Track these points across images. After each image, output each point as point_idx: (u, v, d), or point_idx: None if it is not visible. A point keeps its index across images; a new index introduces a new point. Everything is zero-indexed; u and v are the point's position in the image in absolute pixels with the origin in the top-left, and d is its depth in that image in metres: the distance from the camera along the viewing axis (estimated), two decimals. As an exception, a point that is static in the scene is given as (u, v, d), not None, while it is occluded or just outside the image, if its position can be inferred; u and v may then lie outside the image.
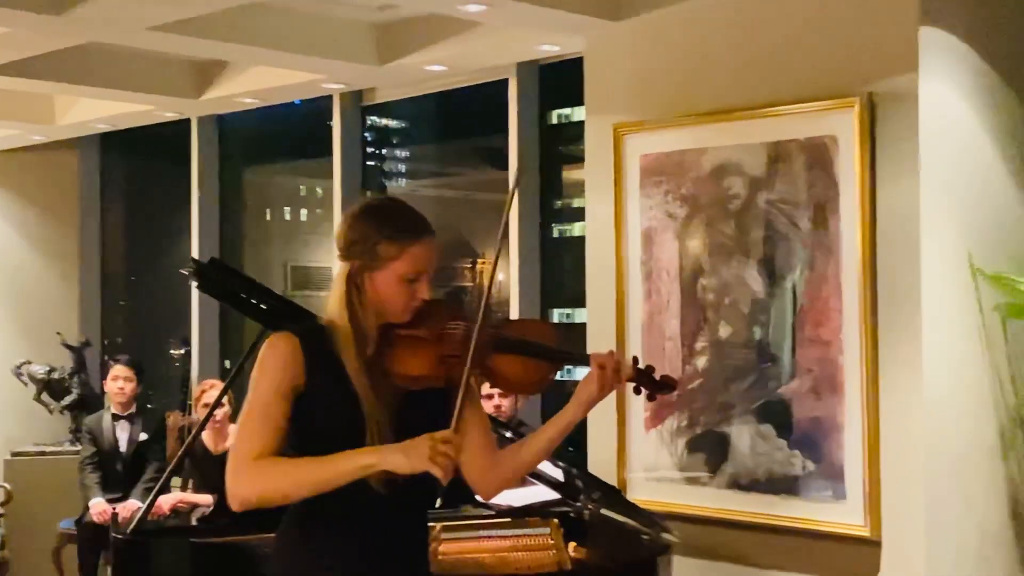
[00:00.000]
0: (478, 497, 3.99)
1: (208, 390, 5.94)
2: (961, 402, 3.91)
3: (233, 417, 5.81)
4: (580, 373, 2.64)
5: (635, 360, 2.63)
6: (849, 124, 3.91)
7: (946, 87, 3.90)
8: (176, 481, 5.82)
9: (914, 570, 3.79)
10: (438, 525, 3.66)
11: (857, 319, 3.90)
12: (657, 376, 2.63)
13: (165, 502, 5.61)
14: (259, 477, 2.45)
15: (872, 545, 3.87)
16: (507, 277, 6.06)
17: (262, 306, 3.93)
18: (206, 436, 5.82)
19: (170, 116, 7.37)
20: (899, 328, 3.83)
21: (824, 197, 4.00)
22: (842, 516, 3.94)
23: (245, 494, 2.46)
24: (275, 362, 2.52)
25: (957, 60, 3.94)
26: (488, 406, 4.62)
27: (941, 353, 3.83)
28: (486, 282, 3.21)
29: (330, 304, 2.58)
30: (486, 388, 4.57)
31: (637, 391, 2.64)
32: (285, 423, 2.50)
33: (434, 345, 2.55)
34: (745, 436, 4.19)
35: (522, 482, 3.98)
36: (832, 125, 3.97)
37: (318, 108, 7.02)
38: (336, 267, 2.63)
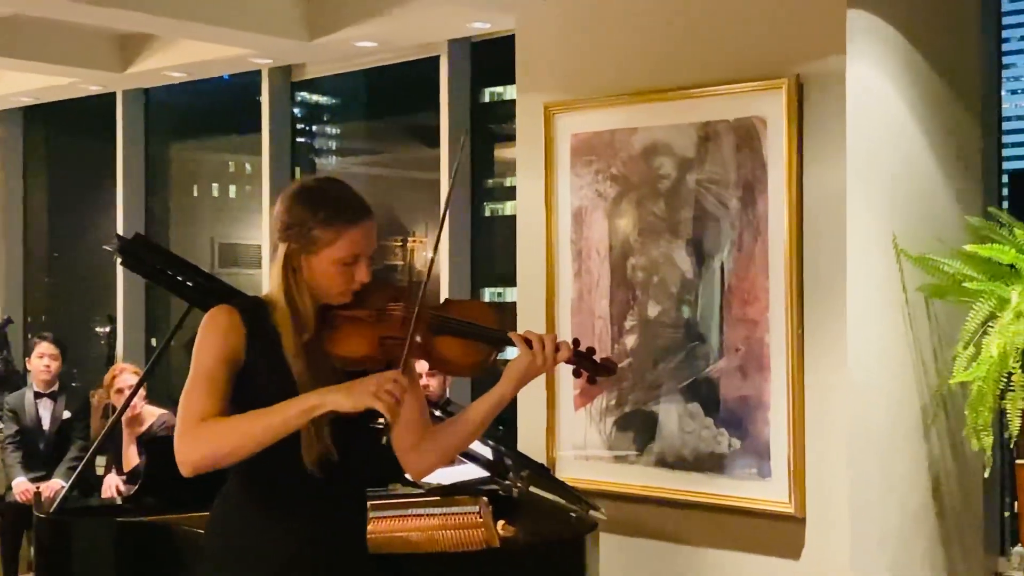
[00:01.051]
0: (408, 476, 4.00)
1: (119, 375, 5.88)
2: (885, 381, 3.96)
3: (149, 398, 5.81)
4: (514, 353, 2.62)
5: (576, 342, 2.63)
6: (778, 105, 3.94)
7: (873, 70, 3.94)
8: (101, 460, 5.76)
9: (838, 547, 3.85)
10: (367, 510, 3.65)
11: (783, 299, 3.94)
12: (598, 359, 2.63)
13: (113, 483, 5.57)
14: (207, 437, 2.42)
15: (797, 522, 3.93)
16: (438, 256, 6.04)
17: (188, 283, 3.87)
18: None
19: (95, 89, 7.25)
20: (825, 308, 3.88)
21: (752, 178, 4.03)
22: (767, 493, 3.98)
23: (194, 457, 2.42)
24: (216, 333, 2.49)
25: (884, 43, 3.98)
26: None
27: (865, 333, 3.89)
28: (425, 258, 3.18)
29: (271, 284, 2.57)
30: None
31: (577, 374, 2.64)
32: (229, 389, 2.47)
33: (374, 327, 2.54)
34: (673, 415, 4.22)
35: (452, 460, 3.98)
36: (761, 106, 4.00)
37: (247, 83, 6.94)
38: (266, 244, 2.61)
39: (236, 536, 2.56)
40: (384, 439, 2.43)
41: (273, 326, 2.51)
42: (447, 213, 2.84)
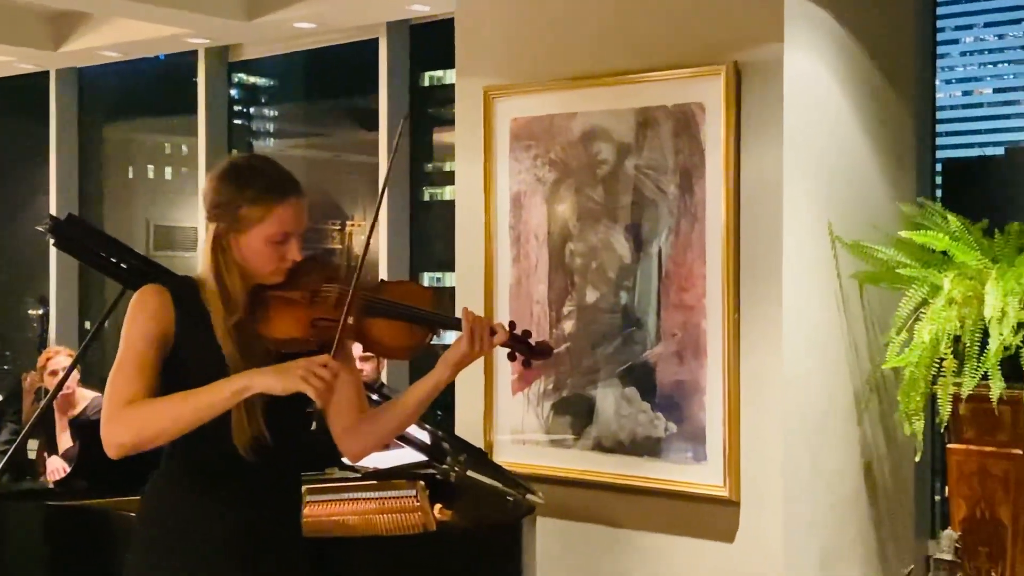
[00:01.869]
0: (344, 460, 3.98)
1: (53, 356, 5.80)
2: (819, 367, 4.01)
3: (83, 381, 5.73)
4: (451, 337, 2.62)
5: (511, 325, 2.63)
6: (716, 92, 3.96)
7: (810, 57, 3.97)
8: (33, 444, 5.68)
9: (771, 530, 3.89)
10: (303, 488, 3.63)
11: (720, 285, 3.97)
12: (533, 342, 2.63)
13: (59, 465, 5.49)
14: (133, 420, 2.40)
15: (731, 505, 3.96)
16: (376, 241, 6.02)
17: (123, 266, 3.82)
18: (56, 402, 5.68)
19: (28, 68, 7.13)
20: (760, 294, 3.91)
21: (690, 164, 4.05)
22: (703, 477, 4.02)
23: (122, 438, 2.40)
24: (145, 312, 2.47)
25: (821, 31, 4.02)
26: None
27: (800, 319, 3.93)
28: (361, 240, 3.17)
29: (201, 264, 2.54)
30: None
31: (512, 357, 2.64)
32: (158, 370, 2.45)
33: (307, 308, 2.51)
34: (610, 399, 4.24)
35: (388, 444, 3.97)
36: (699, 92, 4.02)
37: (183, 63, 6.86)
38: (202, 227, 2.58)
39: (168, 520, 2.54)
40: (313, 424, 2.42)
41: (203, 306, 2.48)
42: (384, 195, 2.82)
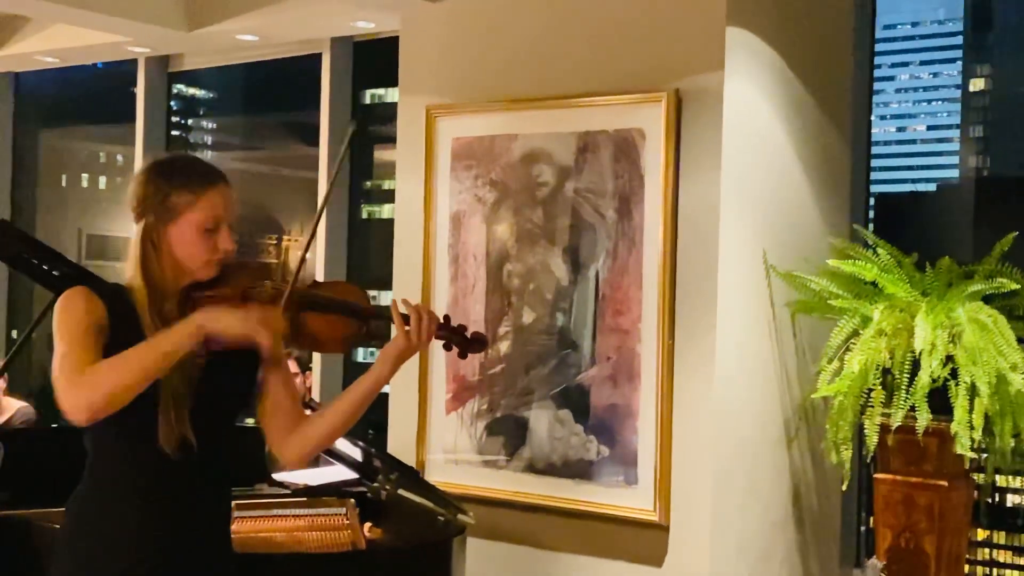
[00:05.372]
0: (274, 476, 3.95)
1: None
2: (751, 394, 4.04)
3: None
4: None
5: (446, 318, 2.64)
6: (656, 118, 4.00)
7: (749, 87, 4.02)
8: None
9: (699, 555, 3.91)
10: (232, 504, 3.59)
11: (656, 310, 3.99)
12: (468, 334, 2.64)
13: None
14: (101, 377, 2.34)
15: (660, 530, 3.98)
16: (313, 257, 5.99)
17: (54, 273, 3.77)
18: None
19: (-39, 71, 7.02)
20: (695, 320, 3.94)
21: (629, 189, 4.08)
22: (633, 501, 4.03)
23: (91, 399, 2.34)
24: (78, 307, 2.43)
25: (761, 62, 4.07)
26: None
27: (733, 346, 3.96)
28: (297, 255, 3.17)
29: (127, 268, 2.51)
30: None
31: (447, 347, 2.65)
32: (101, 351, 2.41)
33: (239, 305, 2.51)
34: (543, 421, 4.24)
35: (319, 461, 3.94)
36: (640, 118, 4.05)
37: (122, 72, 6.79)
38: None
39: (91, 533, 2.50)
40: (255, 407, 2.43)
41: (132, 309, 2.45)
42: (328, 201, 2.82)
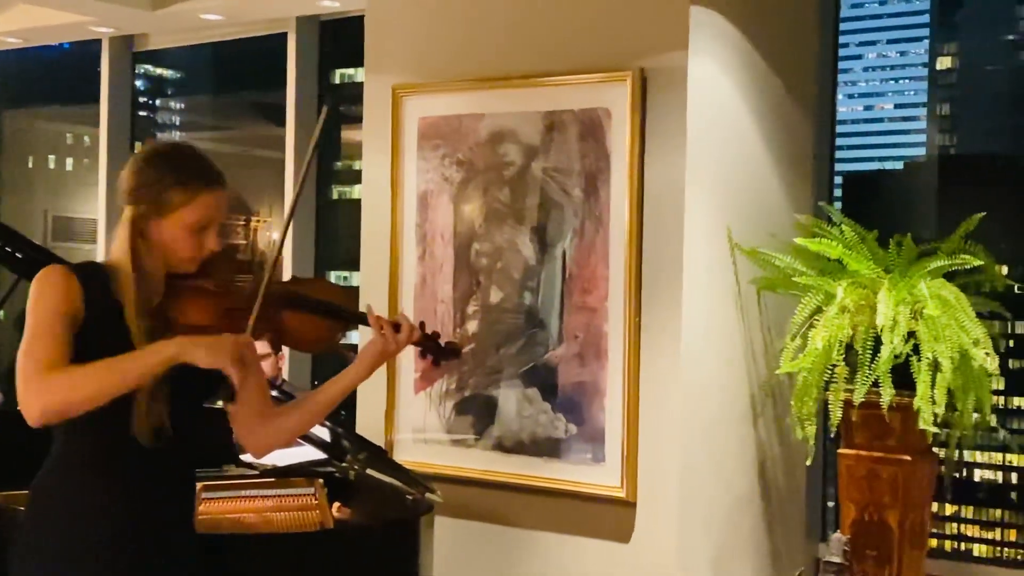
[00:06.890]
0: (243, 457, 3.95)
1: None
2: (717, 371, 4.07)
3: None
4: (355, 336, 2.66)
5: (422, 325, 2.70)
6: (622, 98, 4.00)
7: (714, 66, 4.04)
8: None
9: (666, 530, 3.95)
10: (199, 484, 3.59)
11: (622, 288, 4.01)
12: (442, 343, 2.71)
13: None
14: (60, 384, 2.34)
15: (627, 506, 4.01)
16: (286, 234, 5.97)
17: (17, 255, 3.75)
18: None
19: (-76, 52, 6.95)
20: (661, 298, 3.96)
21: (596, 168, 4.09)
22: (601, 478, 4.05)
23: (47, 404, 2.34)
24: (53, 289, 2.42)
25: (725, 41, 4.08)
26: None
27: (699, 324, 3.98)
28: (268, 238, 3.18)
29: (114, 249, 2.51)
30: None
31: (423, 355, 2.71)
32: (70, 344, 2.40)
33: (220, 297, 2.53)
34: (512, 399, 4.26)
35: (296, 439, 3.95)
36: (606, 98, 4.06)
37: (87, 52, 6.74)
38: (102, 219, 2.56)
39: (57, 515, 2.50)
40: (225, 402, 2.44)
41: (113, 292, 2.45)
42: (303, 185, 2.81)
